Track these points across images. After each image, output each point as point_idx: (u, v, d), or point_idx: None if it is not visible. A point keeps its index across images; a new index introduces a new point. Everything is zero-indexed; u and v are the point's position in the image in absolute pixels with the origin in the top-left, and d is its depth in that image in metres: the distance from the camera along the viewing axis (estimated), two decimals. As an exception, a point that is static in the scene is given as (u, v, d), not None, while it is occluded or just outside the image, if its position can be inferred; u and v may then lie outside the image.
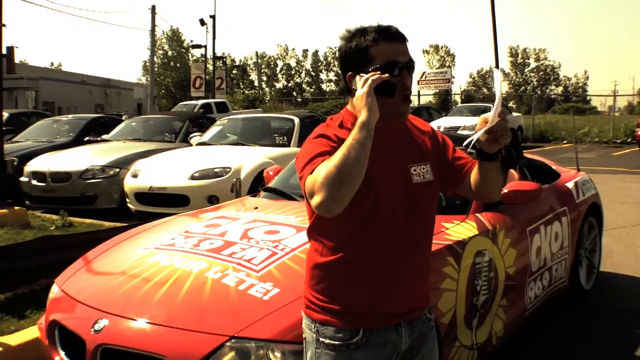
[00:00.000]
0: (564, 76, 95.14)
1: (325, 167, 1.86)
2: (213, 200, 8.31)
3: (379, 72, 2.00)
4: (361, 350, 2.12)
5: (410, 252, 2.18)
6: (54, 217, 8.67)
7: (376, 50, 2.07)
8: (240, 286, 3.06)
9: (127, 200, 9.40)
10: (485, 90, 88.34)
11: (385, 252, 2.12)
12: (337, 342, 2.13)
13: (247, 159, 9.16)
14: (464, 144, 2.06)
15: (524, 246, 4.35)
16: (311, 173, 1.93)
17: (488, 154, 2.09)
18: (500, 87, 2.02)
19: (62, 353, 3.28)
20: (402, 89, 2.08)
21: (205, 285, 3.12)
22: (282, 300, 2.88)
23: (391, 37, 2.10)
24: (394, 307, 2.17)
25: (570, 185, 5.49)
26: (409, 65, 2.10)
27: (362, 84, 1.98)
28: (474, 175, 2.23)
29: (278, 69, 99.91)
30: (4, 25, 8.47)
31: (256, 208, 4.37)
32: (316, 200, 1.87)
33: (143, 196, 9.10)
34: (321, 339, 2.15)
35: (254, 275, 3.15)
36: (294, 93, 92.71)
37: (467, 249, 3.64)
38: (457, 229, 3.74)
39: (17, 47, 35.75)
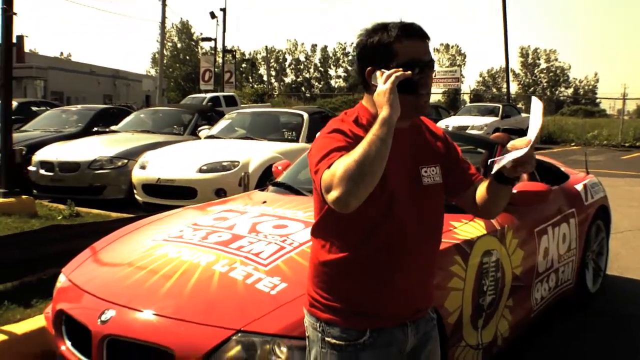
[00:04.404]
0: (574, 78, 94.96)
1: (345, 162, 1.83)
2: (221, 193, 8.30)
3: (401, 69, 1.98)
4: (367, 350, 2.10)
5: (420, 253, 2.17)
6: (62, 206, 8.66)
7: (399, 47, 2.05)
8: (248, 280, 3.05)
9: (135, 191, 9.42)
10: (494, 90, 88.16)
11: (395, 252, 2.10)
12: (343, 342, 2.11)
13: (255, 153, 9.16)
14: (490, 165, 2.05)
15: (531, 247, 4.34)
16: (328, 167, 1.89)
17: (507, 178, 2.09)
18: (542, 116, 2.01)
19: (68, 343, 3.27)
20: (423, 87, 2.07)
21: (213, 278, 3.11)
22: (290, 295, 2.87)
23: (414, 34, 2.08)
24: (401, 308, 2.15)
25: (579, 187, 5.47)
26: (430, 63, 2.09)
27: (385, 80, 1.95)
28: (481, 193, 2.23)
29: (287, 63, 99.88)
30: (15, 14, 8.45)
31: (264, 202, 4.36)
32: (334, 194, 1.83)
33: (151, 188, 9.12)
34: (327, 338, 2.13)
35: (261, 269, 3.14)
36: (303, 88, 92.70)
37: (475, 248, 3.63)
38: (465, 228, 3.72)
39: (27, 36, 35.96)
